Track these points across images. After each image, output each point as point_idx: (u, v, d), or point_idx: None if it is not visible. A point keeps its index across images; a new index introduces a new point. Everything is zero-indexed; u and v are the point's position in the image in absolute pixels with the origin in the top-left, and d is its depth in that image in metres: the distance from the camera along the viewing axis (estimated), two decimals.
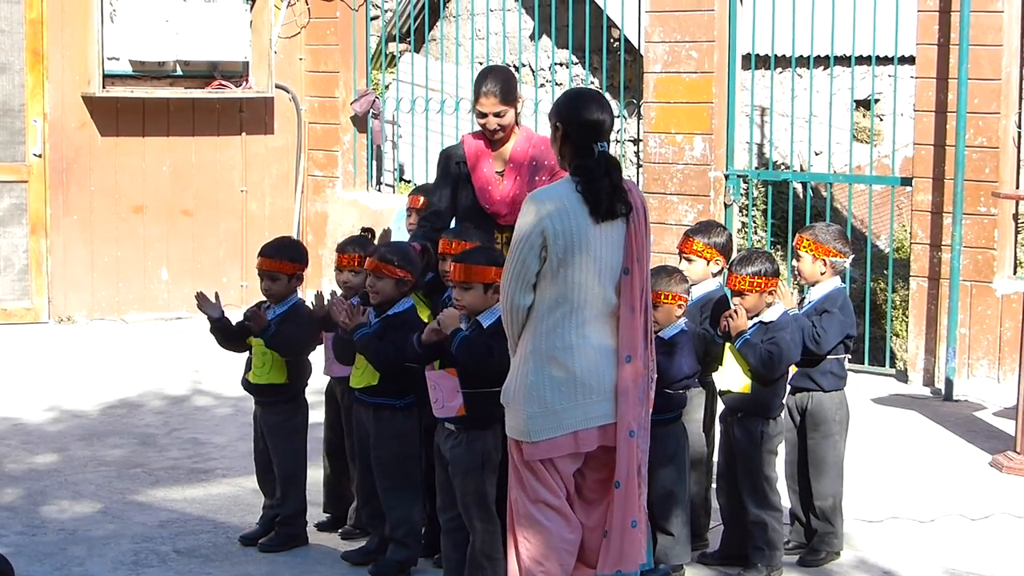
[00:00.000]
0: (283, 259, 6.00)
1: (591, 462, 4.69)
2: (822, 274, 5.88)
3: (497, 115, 6.17)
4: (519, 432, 4.62)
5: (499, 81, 6.18)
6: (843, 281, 6.06)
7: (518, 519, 4.67)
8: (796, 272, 5.98)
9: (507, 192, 6.23)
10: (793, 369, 5.76)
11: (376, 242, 6.28)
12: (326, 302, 5.88)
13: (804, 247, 5.88)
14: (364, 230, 6.26)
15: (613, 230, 4.60)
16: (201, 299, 6.04)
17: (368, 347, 5.54)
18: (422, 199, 6.68)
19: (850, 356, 6.01)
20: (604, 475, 4.69)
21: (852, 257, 6.02)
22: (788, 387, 5.82)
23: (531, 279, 4.57)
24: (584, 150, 4.61)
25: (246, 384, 6.11)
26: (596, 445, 4.63)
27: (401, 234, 7.25)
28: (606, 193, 4.56)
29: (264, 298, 6.07)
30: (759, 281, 5.59)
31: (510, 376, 4.68)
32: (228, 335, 6.10)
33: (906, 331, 9.46)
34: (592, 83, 12.17)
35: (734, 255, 5.96)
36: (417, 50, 12.46)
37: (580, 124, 4.62)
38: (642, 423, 4.65)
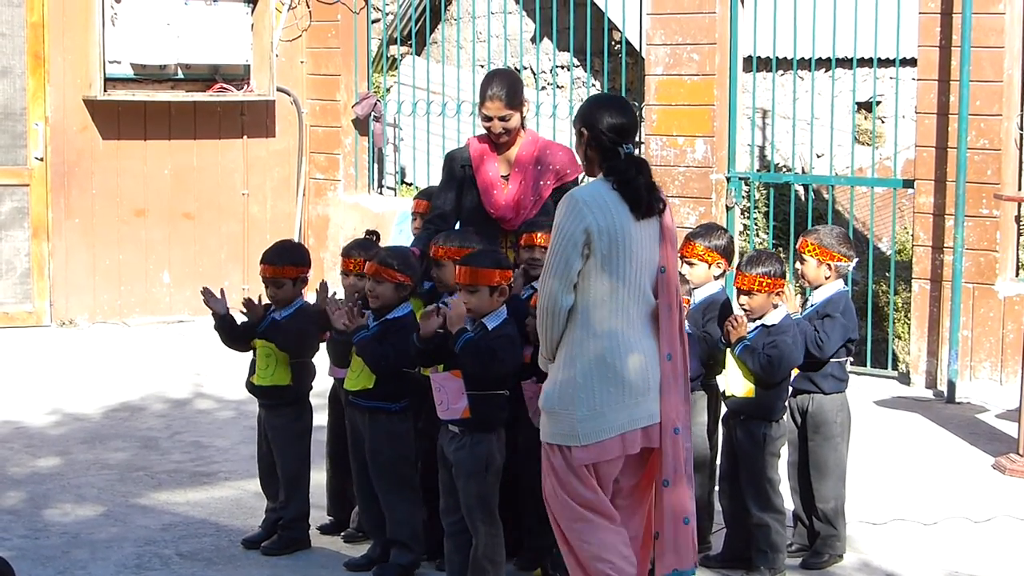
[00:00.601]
0: (286, 264, 5.98)
1: (626, 468, 4.65)
2: (827, 278, 5.87)
3: (502, 119, 6.13)
4: (567, 436, 4.55)
5: (504, 85, 6.13)
6: (845, 284, 6.05)
7: (570, 525, 4.59)
8: (800, 275, 5.97)
9: (511, 196, 6.21)
10: (795, 371, 5.75)
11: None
12: (327, 300, 5.88)
13: (808, 251, 5.87)
14: (369, 233, 6.24)
15: (650, 228, 4.61)
16: (207, 295, 6.03)
17: (367, 350, 5.53)
18: (423, 203, 6.66)
19: (852, 359, 6.00)
20: (636, 481, 4.67)
21: (856, 260, 6.01)
22: (790, 389, 5.82)
23: (573, 278, 4.52)
24: (611, 153, 4.61)
25: (250, 387, 6.11)
26: (640, 447, 4.59)
27: (404, 237, 7.24)
28: (644, 189, 4.57)
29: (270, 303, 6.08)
30: (767, 281, 5.59)
31: (551, 381, 4.62)
32: (232, 334, 6.09)
33: (908, 333, 9.45)
34: (594, 86, 12.16)
35: (737, 256, 5.96)
36: (418, 53, 12.47)
37: (604, 128, 4.61)
38: (684, 421, 4.64)
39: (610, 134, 4.61)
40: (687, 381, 4.69)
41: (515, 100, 6.12)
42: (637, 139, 10.49)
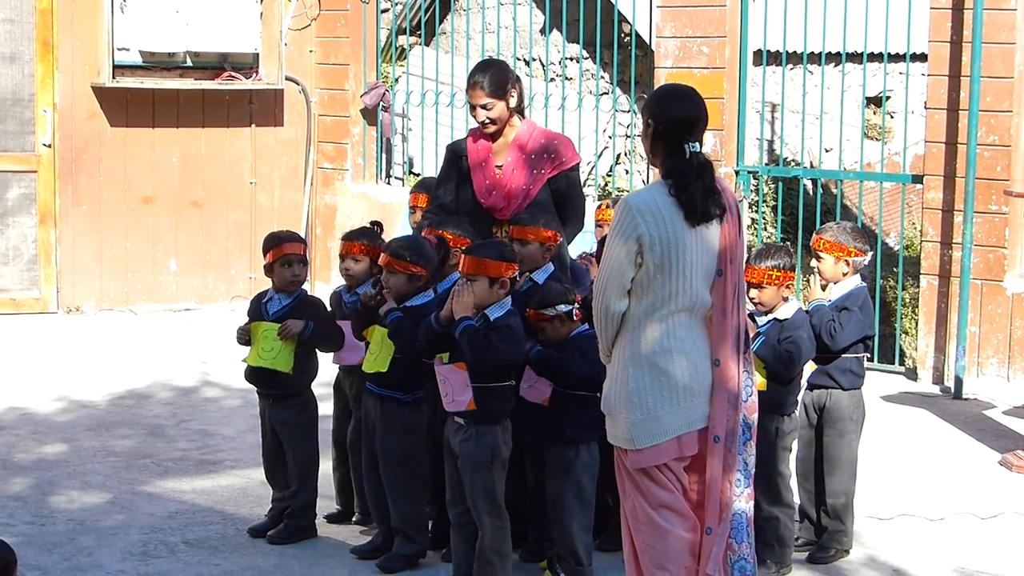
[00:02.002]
0: (305, 245, 6.11)
1: (692, 464, 4.59)
2: (844, 274, 5.86)
3: (484, 107, 6.17)
4: (623, 440, 4.52)
5: (487, 74, 6.17)
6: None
7: (638, 526, 4.55)
8: (817, 272, 5.95)
9: (504, 185, 6.22)
10: (812, 367, 5.74)
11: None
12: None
13: (825, 248, 5.86)
14: (372, 223, 6.26)
15: (708, 232, 4.51)
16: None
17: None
18: (421, 196, 6.69)
19: (868, 355, 5.99)
20: (703, 476, 4.60)
21: (871, 254, 5.99)
22: (805, 384, 5.80)
23: (626, 285, 4.46)
24: (675, 150, 4.51)
25: (249, 374, 6.08)
26: (698, 448, 4.54)
27: (406, 230, 7.25)
28: (700, 196, 4.47)
29: (271, 288, 6.08)
30: (777, 275, 5.58)
31: (608, 384, 4.58)
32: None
33: (916, 329, 9.44)
34: (603, 78, 12.14)
35: (746, 250, 5.94)
36: (427, 43, 12.45)
37: (671, 122, 4.52)
38: (731, 429, 4.56)
39: (677, 128, 4.51)
40: (742, 387, 4.59)
41: (498, 90, 6.14)
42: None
